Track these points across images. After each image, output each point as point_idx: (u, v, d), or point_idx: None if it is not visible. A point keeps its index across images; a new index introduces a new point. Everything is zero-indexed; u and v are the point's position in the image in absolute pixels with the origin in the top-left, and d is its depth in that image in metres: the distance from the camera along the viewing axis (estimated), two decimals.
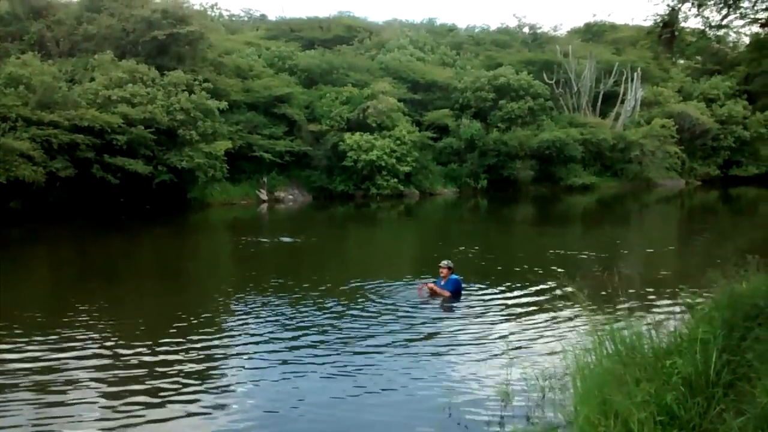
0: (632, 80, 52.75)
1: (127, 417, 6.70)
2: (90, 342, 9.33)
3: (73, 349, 8.96)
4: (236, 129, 38.09)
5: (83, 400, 7.14)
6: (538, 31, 62.88)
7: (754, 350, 6.01)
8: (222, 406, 6.94)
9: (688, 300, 9.38)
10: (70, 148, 29.14)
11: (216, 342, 9.48)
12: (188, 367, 8.20)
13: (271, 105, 41.34)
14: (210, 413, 6.77)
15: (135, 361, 8.43)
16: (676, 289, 10.73)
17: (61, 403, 7.08)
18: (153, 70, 34.28)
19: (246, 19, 67.95)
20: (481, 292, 12.54)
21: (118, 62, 34.27)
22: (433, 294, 11.98)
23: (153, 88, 33.18)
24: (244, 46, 48.97)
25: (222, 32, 50.33)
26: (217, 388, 7.54)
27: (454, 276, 12.10)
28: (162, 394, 7.32)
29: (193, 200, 35.20)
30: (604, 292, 11.68)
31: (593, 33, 65.12)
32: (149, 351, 8.86)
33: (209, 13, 58.06)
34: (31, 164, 27.09)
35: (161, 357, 8.61)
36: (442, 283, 12.07)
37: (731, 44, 57.15)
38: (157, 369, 8.15)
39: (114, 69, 33.54)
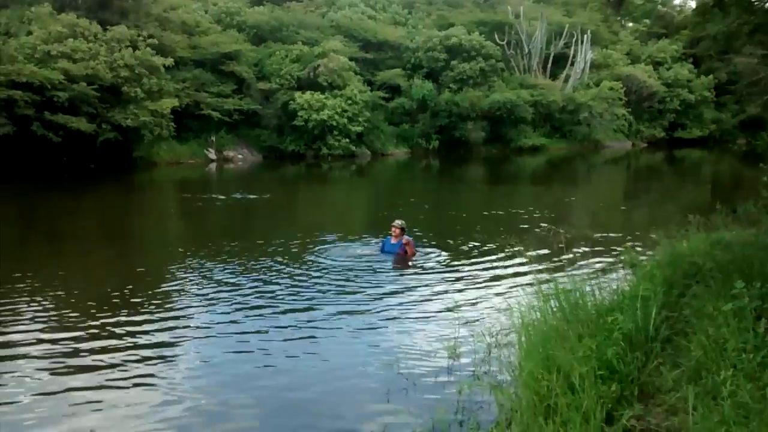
0: (582, 42, 53.20)
1: (66, 390, 6.50)
2: (27, 307, 9.03)
3: (8, 316, 8.67)
4: (183, 86, 37.23)
5: (18, 373, 6.89)
6: None
7: (691, 306, 6.21)
8: (166, 378, 6.78)
9: (631, 259, 9.67)
10: (8, 105, 28.06)
11: (161, 307, 9.32)
12: (132, 336, 7.99)
13: (218, 62, 40.44)
14: (154, 385, 6.60)
15: (77, 330, 8.15)
16: (621, 248, 10.99)
17: None
18: (95, 25, 33.07)
19: None
20: (430, 251, 12.61)
21: (57, 16, 32.89)
22: (405, 254, 11.88)
23: (95, 44, 32.04)
24: (190, 1, 47.44)
25: None
26: (161, 357, 7.38)
27: (406, 236, 12.10)
28: (102, 363, 7.13)
29: (139, 159, 34.41)
30: (550, 251, 11.91)
31: None
32: (91, 317, 8.61)
33: None
34: None
35: (103, 323, 8.37)
36: (393, 242, 12.07)
37: (677, 8, 58.03)
38: (99, 336, 7.93)
39: (53, 23, 32.24)
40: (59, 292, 9.75)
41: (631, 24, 62.38)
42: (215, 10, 46.58)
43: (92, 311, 8.82)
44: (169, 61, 34.36)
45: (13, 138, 28.58)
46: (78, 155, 31.60)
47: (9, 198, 23.41)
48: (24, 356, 7.25)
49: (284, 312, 8.81)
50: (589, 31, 53.01)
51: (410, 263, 11.62)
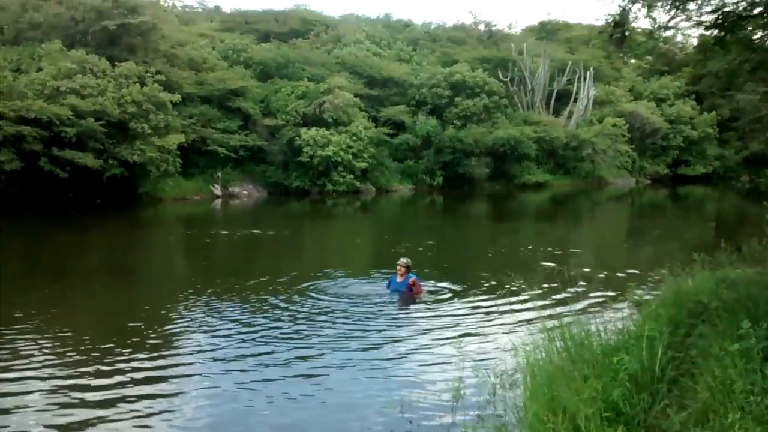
0: (585, 79, 53.66)
1: (72, 424, 6.49)
2: (33, 344, 8.99)
3: (14, 352, 8.62)
4: (189, 122, 37.48)
5: (25, 408, 6.87)
6: (494, 28, 63.51)
7: (697, 346, 6.15)
8: (171, 412, 6.77)
9: (636, 297, 9.61)
10: (16, 140, 28.24)
11: (165, 344, 9.30)
12: (137, 372, 7.97)
13: (225, 98, 40.83)
14: (160, 417, 6.60)
15: (81, 366, 8.13)
16: (626, 286, 10.95)
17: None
18: (104, 61, 33.46)
19: (200, 10, 66.99)
20: (434, 289, 12.57)
21: (67, 52, 33.35)
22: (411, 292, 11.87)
23: (103, 80, 32.37)
24: (197, 37, 48.25)
25: (175, 23, 49.36)
26: (166, 392, 7.36)
27: (411, 274, 12.08)
28: (107, 399, 7.11)
29: (145, 195, 34.51)
30: (555, 289, 11.85)
31: (547, 31, 66.07)
32: (96, 354, 8.58)
33: (162, 3, 56.91)
34: None
35: (108, 361, 8.35)
36: (399, 280, 12.05)
37: (680, 45, 58.43)
38: (104, 373, 7.91)
39: (62, 59, 32.62)
40: (65, 329, 9.72)
41: (633, 61, 62.90)
42: (222, 46, 47.19)
43: (97, 348, 8.79)
44: (177, 97, 34.70)
45: (20, 173, 28.74)
46: (84, 190, 31.73)
47: (15, 232, 23.43)
48: (30, 392, 7.22)
49: (287, 350, 8.77)
50: (591, 68, 53.48)
51: (416, 301, 11.60)
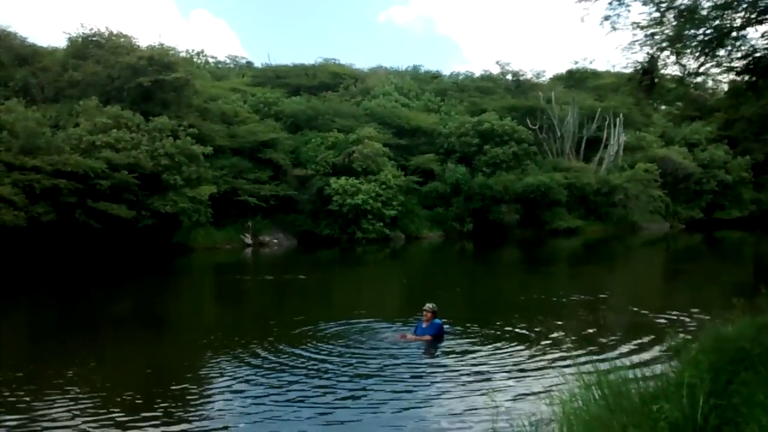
0: (615, 126, 53.53)
1: None
2: (64, 395, 8.95)
3: (46, 406, 8.59)
4: (221, 174, 38.08)
5: None
6: (521, 78, 63.82)
7: (740, 394, 5.91)
8: None
9: (675, 343, 9.33)
10: (53, 193, 28.94)
11: (199, 388, 9.23)
12: (175, 415, 7.94)
13: (256, 150, 41.48)
14: None
15: (119, 414, 8.11)
16: (663, 332, 10.65)
17: None
18: (138, 116, 34.36)
19: (232, 66, 68.55)
20: (465, 336, 12.37)
21: (103, 108, 34.31)
22: (405, 339, 11.81)
23: (138, 134, 33.19)
24: (229, 92, 49.30)
25: (208, 79, 50.71)
26: None
27: (437, 320, 11.94)
28: None
29: (177, 245, 34.89)
30: (590, 335, 11.58)
31: (575, 79, 66.20)
32: (134, 401, 8.57)
33: (195, 60, 58.60)
34: (12, 209, 26.82)
35: (141, 413, 8.27)
36: (424, 326, 11.89)
37: (710, 91, 58.02)
38: (142, 418, 7.88)
39: (99, 115, 33.57)
40: (97, 383, 9.66)
41: (663, 107, 62.63)
42: (254, 100, 48.16)
43: (129, 400, 8.75)
44: (209, 149, 35.37)
45: (55, 225, 29.33)
46: (117, 240, 32.20)
47: (48, 284, 23.77)
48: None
49: (315, 398, 8.64)
50: (621, 115, 53.37)
51: (436, 349, 11.41)
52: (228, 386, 9.37)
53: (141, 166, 31.72)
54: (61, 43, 42.54)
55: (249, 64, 69.19)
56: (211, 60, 66.05)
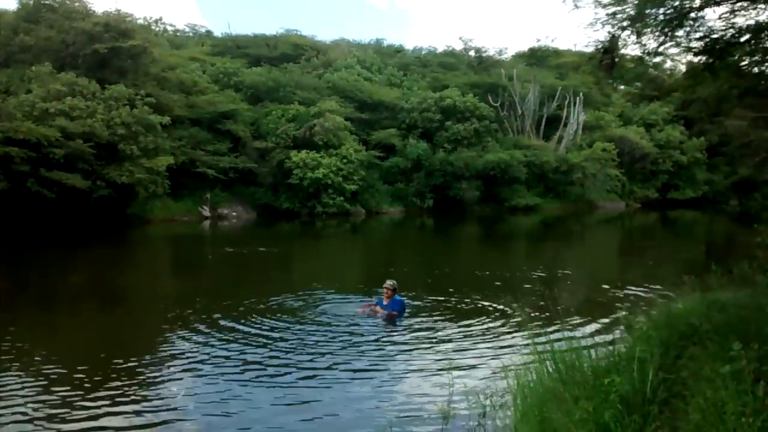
0: (575, 104, 54.11)
1: None
2: (17, 372, 8.78)
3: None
4: (179, 144, 37.44)
5: None
6: (484, 54, 63.92)
7: (688, 368, 6.07)
8: None
9: (627, 319, 9.54)
10: (4, 161, 28.08)
11: (153, 365, 9.13)
12: (126, 394, 7.82)
13: (215, 121, 40.88)
14: None
15: (67, 394, 7.88)
16: (616, 308, 10.89)
17: None
18: (93, 84, 33.44)
19: (191, 34, 67.19)
20: (423, 310, 12.47)
21: (57, 75, 33.30)
22: (375, 313, 11.87)
23: (93, 102, 32.33)
24: (188, 61, 48.30)
25: (166, 47, 49.58)
26: (155, 413, 7.21)
27: (398, 297, 12.00)
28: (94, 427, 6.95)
29: (133, 216, 34.32)
30: (545, 310, 11.77)
31: (537, 58, 66.54)
32: (85, 377, 8.39)
33: (153, 27, 57.23)
34: None
35: (95, 386, 8.13)
36: (385, 303, 11.94)
37: (668, 71, 59.02)
38: (93, 397, 7.75)
39: (52, 81, 32.56)
40: (50, 354, 9.48)
41: (622, 86, 63.51)
42: (213, 70, 47.31)
43: (83, 374, 8.58)
44: (166, 119, 34.64)
45: (6, 193, 28.52)
46: (71, 211, 31.50)
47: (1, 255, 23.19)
48: (14, 422, 7.03)
49: (273, 373, 8.62)
50: (581, 94, 53.97)
51: (396, 323, 11.49)
52: (183, 364, 9.21)
53: (96, 135, 30.94)
54: (12, 5, 40.97)
55: (208, 33, 67.99)
56: (169, 28, 64.68)
